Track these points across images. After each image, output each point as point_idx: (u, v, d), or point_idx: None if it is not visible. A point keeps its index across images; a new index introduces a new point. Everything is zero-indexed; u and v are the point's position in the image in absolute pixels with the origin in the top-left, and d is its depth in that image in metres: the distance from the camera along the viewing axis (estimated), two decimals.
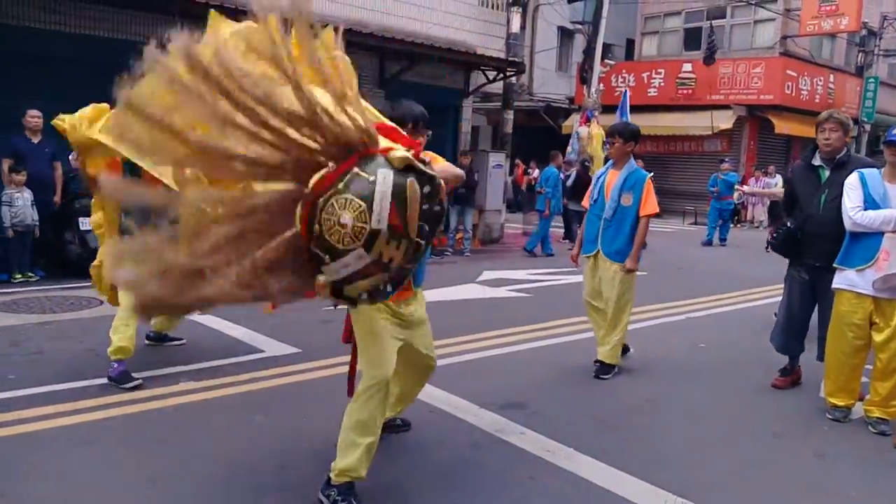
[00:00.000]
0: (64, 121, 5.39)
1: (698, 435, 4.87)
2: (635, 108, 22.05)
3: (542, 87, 25.36)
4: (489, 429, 4.76)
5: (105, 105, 5.08)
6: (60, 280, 8.94)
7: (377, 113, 3.34)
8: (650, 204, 5.92)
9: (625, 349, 6.34)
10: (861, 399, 5.26)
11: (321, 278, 2.78)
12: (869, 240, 4.90)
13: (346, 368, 3.71)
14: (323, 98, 2.73)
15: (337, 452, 3.59)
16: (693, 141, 23.81)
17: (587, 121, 15.95)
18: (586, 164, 14.98)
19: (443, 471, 4.14)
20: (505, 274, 11.34)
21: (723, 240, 17.29)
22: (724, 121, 22.96)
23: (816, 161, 5.51)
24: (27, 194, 9.03)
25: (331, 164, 2.70)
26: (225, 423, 4.70)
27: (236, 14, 3.44)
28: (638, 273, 6.11)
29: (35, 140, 9.31)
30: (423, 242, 2.82)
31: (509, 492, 3.90)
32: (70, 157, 8.44)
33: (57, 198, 9.53)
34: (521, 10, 16.34)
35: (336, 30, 3.36)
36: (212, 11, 3.72)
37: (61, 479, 3.84)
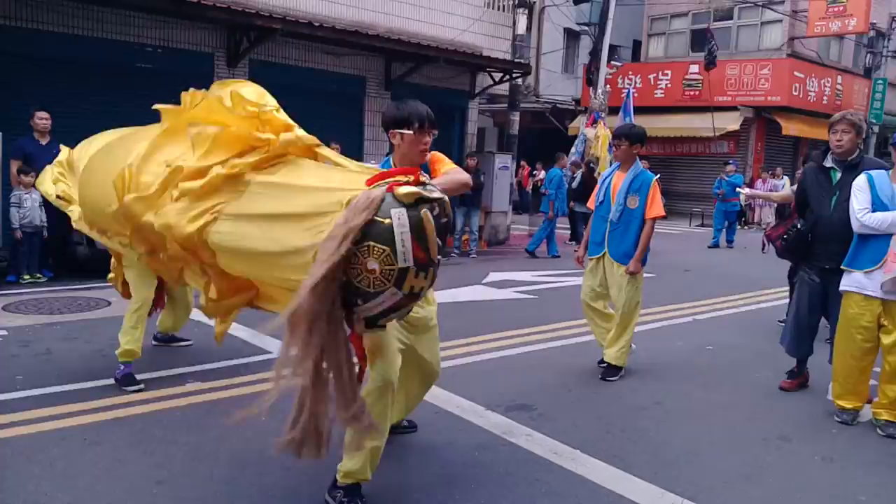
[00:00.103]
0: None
1: (705, 437, 4.86)
2: (642, 110, 22.07)
3: (549, 88, 25.36)
4: (495, 430, 4.76)
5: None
6: (68, 281, 8.97)
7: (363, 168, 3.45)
8: (656, 206, 5.91)
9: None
10: (869, 402, 5.24)
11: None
12: (877, 242, 4.89)
13: None
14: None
15: (343, 454, 3.60)
16: (700, 142, 23.76)
17: (594, 122, 15.95)
18: (591, 165, 14.98)
19: (449, 472, 4.13)
20: (511, 275, 11.33)
21: (730, 242, 17.24)
22: (731, 122, 22.91)
23: (828, 163, 5.48)
24: (35, 195, 9.05)
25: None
26: (232, 423, 4.70)
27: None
28: (645, 275, 6.10)
29: (43, 141, 9.33)
30: (441, 258, 2.94)
31: (516, 493, 3.89)
32: None
33: None
34: (527, 11, 16.35)
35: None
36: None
37: (69, 479, 3.85)
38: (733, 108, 23.32)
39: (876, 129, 27.01)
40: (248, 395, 5.27)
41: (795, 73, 23.46)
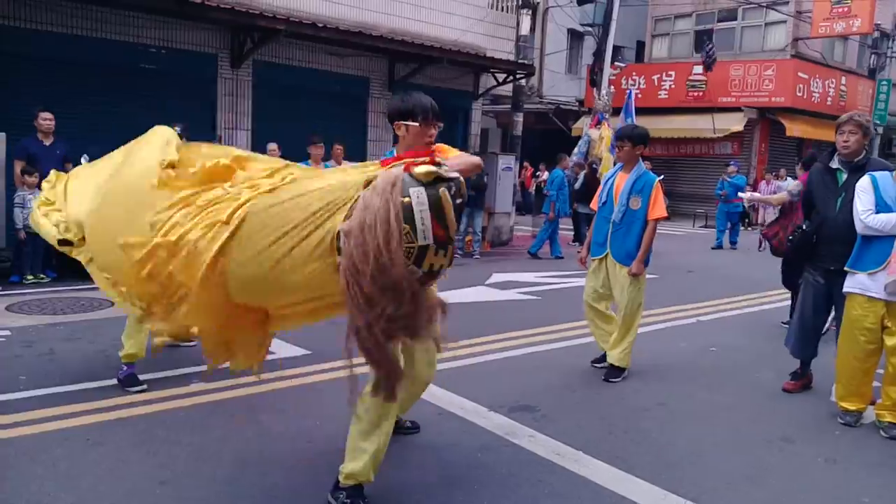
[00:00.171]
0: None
1: (708, 438, 4.85)
2: (646, 111, 22.07)
3: (552, 89, 25.36)
4: (498, 431, 4.75)
5: None
6: (72, 281, 8.97)
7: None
8: (658, 208, 5.91)
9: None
10: (872, 403, 5.23)
11: None
12: (881, 243, 4.88)
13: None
14: None
15: (345, 455, 3.60)
16: (703, 143, 23.75)
17: (598, 123, 15.94)
18: (594, 166, 14.96)
19: (452, 473, 4.13)
20: (514, 276, 11.33)
21: (733, 243, 17.22)
22: (735, 123, 22.90)
23: (834, 164, 5.47)
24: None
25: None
26: (235, 424, 4.71)
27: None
28: (649, 276, 6.10)
29: (47, 142, 9.36)
30: (457, 237, 3.01)
31: (518, 494, 3.89)
32: (82, 158, 8.49)
33: None
34: (530, 12, 16.33)
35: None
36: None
37: (72, 480, 3.86)
38: (737, 109, 23.31)
39: (880, 130, 26.96)
40: (251, 395, 5.28)
41: (799, 74, 23.43)
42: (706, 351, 7.17)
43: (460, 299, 9.08)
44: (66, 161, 9.50)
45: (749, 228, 21.86)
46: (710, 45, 22.17)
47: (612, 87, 17.18)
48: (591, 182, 13.56)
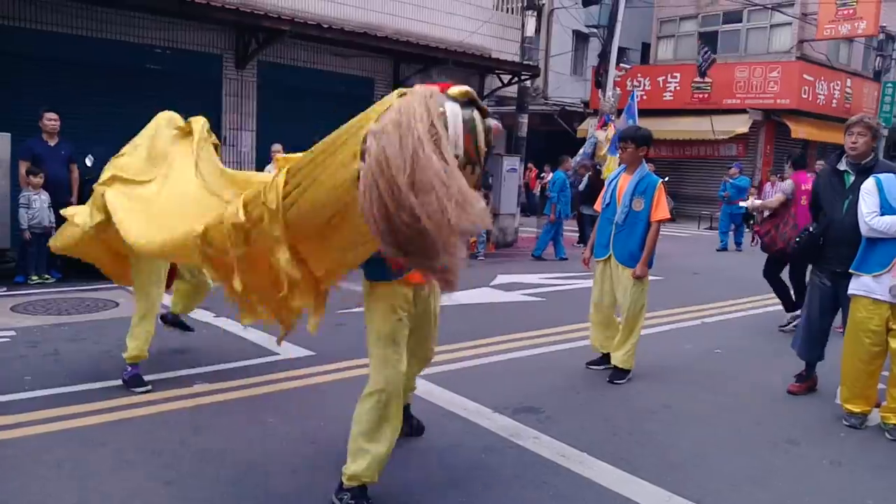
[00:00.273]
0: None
1: (713, 440, 4.84)
2: (651, 112, 22.06)
3: (557, 90, 25.34)
4: (503, 433, 4.75)
5: None
6: (77, 282, 8.99)
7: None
8: (661, 209, 5.90)
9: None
10: (878, 406, 5.21)
11: None
12: (886, 245, 4.87)
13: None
14: None
15: (347, 457, 3.60)
16: (708, 145, 23.70)
17: (604, 125, 15.92)
18: (598, 167, 14.95)
19: (456, 475, 4.13)
20: (519, 278, 11.32)
21: (738, 244, 17.20)
22: (740, 125, 22.86)
23: (842, 166, 5.46)
24: (44, 196, 9.11)
25: None
26: (239, 425, 4.71)
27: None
28: (653, 278, 6.09)
29: (52, 142, 9.38)
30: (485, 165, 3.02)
31: (523, 496, 3.89)
32: (86, 159, 8.51)
33: (73, 199, 9.58)
34: (536, 13, 16.33)
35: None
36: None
37: (76, 480, 3.86)
38: (742, 111, 23.27)
39: (885, 132, 26.87)
40: (254, 396, 5.28)
41: (805, 76, 23.39)
42: (711, 353, 7.16)
43: (465, 300, 9.08)
44: (71, 162, 9.55)
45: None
46: (706, 50, 22.09)
47: (618, 88, 17.18)
48: (596, 183, 13.55)
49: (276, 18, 11.77)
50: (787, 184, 8.13)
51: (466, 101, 2.92)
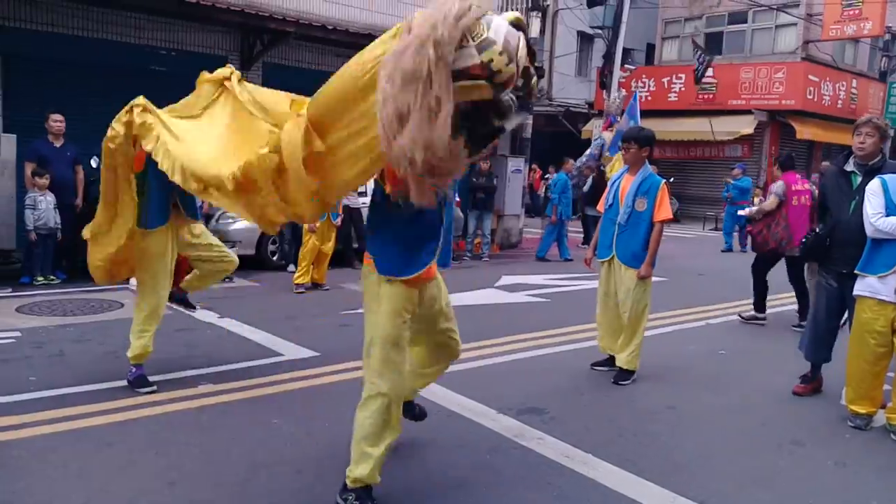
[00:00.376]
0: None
1: (717, 442, 4.84)
2: (656, 113, 22.02)
3: (562, 91, 25.31)
4: (507, 433, 4.75)
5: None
6: (82, 283, 8.99)
7: None
8: (664, 209, 5.90)
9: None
10: (883, 407, 5.20)
11: None
12: (891, 246, 4.86)
13: (363, 373, 3.70)
14: None
15: (351, 460, 3.60)
16: (713, 146, 23.65)
17: (610, 125, 15.91)
18: (602, 168, 14.94)
19: (460, 475, 4.13)
20: (523, 279, 11.32)
21: (743, 245, 17.16)
22: (745, 126, 22.82)
23: (849, 167, 5.45)
24: (50, 197, 9.13)
25: None
26: (244, 426, 4.72)
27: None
28: (658, 279, 6.08)
29: (57, 144, 9.41)
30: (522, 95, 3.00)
31: (527, 497, 3.89)
32: (92, 160, 8.53)
33: (79, 201, 9.61)
34: (540, 14, 16.32)
35: None
36: None
37: (82, 480, 3.87)
38: (747, 112, 23.23)
39: (891, 133, 26.78)
40: (259, 397, 5.29)
41: (810, 77, 23.33)
42: (715, 354, 7.15)
43: (469, 301, 9.09)
44: (77, 163, 9.57)
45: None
46: (699, 54, 22.01)
47: (623, 89, 17.18)
48: (600, 185, 13.55)
49: (282, 20, 11.79)
50: (779, 185, 8.20)
51: (516, 24, 2.90)
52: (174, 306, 6.14)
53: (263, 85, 4.28)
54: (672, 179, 6.17)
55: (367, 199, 4.30)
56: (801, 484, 4.23)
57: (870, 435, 5.08)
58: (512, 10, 16.42)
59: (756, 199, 14.03)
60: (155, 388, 5.27)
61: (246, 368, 5.92)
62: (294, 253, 10.52)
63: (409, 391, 4.25)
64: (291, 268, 10.52)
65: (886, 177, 5.00)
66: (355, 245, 11.36)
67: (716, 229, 21.83)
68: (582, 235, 16.16)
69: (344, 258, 11.17)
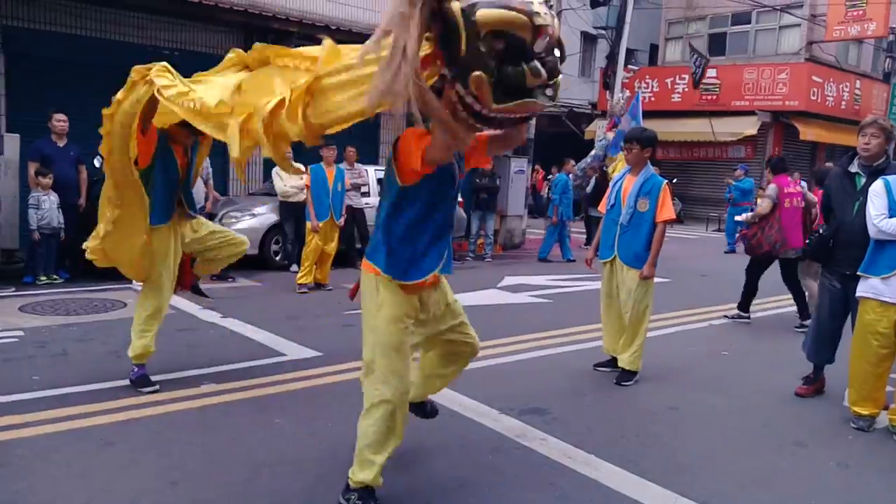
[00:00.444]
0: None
1: (720, 443, 4.83)
2: (659, 114, 22.00)
3: (565, 92, 24.90)
4: (509, 434, 4.75)
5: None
6: (85, 282, 9.03)
7: None
8: (666, 210, 5.89)
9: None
10: (886, 408, 5.20)
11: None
12: (894, 248, 4.85)
13: (362, 384, 3.67)
14: None
15: (353, 463, 3.60)
16: (717, 147, 23.64)
17: (613, 126, 15.90)
18: (604, 169, 14.93)
19: (462, 475, 4.13)
20: (526, 279, 11.32)
21: (732, 246, 17.14)
22: (749, 127, 22.80)
23: (853, 168, 5.44)
24: (53, 197, 9.15)
25: None
26: (246, 425, 4.72)
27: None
28: (661, 280, 6.07)
29: (60, 144, 9.42)
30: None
31: (529, 497, 3.88)
32: (95, 160, 8.54)
33: (82, 200, 9.63)
34: None
35: None
36: None
37: (84, 479, 3.88)
38: (751, 113, 23.21)
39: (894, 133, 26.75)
40: (262, 397, 5.30)
41: (813, 78, 23.30)
42: (718, 355, 7.15)
43: (472, 302, 9.08)
44: (80, 163, 9.58)
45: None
46: (696, 57, 21.96)
47: (626, 90, 17.16)
48: (602, 185, 13.53)
49: (285, 20, 11.81)
50: (772, 189, 8.24)
51: None
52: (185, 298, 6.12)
53: None
54: (675, 180, 6.14)
55: (370, 200, 4.30)
56: (803, 485, 4.22)
57: (872, 436, 5.07)
58: None
59: (758, 201, 13.99)
60: (157, 387, 5.27)
61: (248, 368, 5.92)
62: (297, 253, 10.53)
63: (426, 394, 4.26)
64: (294, 268, 10.54)
65: (890, 178, 4.99)
66: (358, 245, 11.37)
67: (719, 230, 21.82)
68: (585, 236, 16.15)
69: (347, 258, 11.18)
